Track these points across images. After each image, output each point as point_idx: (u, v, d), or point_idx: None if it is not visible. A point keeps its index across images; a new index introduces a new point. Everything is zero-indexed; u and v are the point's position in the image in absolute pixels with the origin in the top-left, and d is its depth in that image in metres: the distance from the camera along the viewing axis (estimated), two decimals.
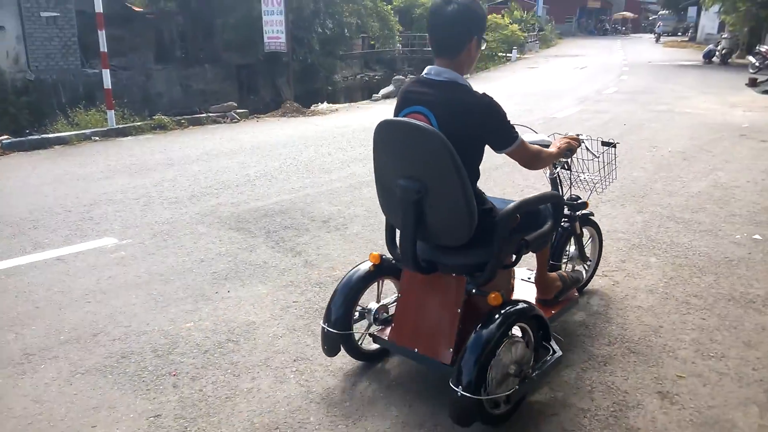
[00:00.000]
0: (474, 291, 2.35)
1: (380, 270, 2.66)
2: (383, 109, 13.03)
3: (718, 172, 6.39)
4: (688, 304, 3.36)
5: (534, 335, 2.39)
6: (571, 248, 3.32)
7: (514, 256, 2.39)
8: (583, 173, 3.14)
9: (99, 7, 9.70)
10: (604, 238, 3.62)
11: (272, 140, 8.96)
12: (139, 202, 5.56)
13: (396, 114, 2.32)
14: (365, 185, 6.05)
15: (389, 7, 36.10)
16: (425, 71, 2.34)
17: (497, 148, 2.27)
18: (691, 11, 41.67)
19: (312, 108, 13.59)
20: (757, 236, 4.41)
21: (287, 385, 2.63)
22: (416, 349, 2.45)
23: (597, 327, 3.11)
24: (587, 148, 3.02)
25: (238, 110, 12.24)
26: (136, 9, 26.04)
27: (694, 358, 2.81)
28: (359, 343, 2.73)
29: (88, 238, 4.60)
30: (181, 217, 5.10)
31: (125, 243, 4.47)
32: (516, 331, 2.30)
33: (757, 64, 18.26)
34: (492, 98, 2.23)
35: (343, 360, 2.79)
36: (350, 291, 2.60)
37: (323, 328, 2.59)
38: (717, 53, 23.81)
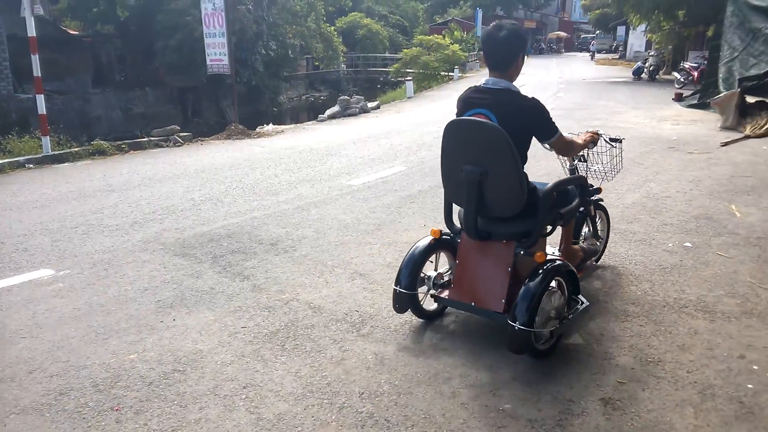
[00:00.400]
0: (522, 253, 3.02)
1: (438, 244, 3.29)
2: (329, 130, 13.07)
3: (650, 183, 6.71)
4: (626, 312, 3.51)
5: (567, 287, 3.07)
6: (585, 229, 3.91)
7: (549, 227, 3.11)
8: (595, 165, 3.86)
9: (32, 31, 9.37)
10: None
11: (217, 163, 8.84)
12: (78, 231, 5.36)
13: (460, 115, 3.02)
14: (313, 206, 6.05)
15: (332, 28, 36.44)
16: (483, 82, 3.00)
17: (542, 139, 3.03)
18: (620, 30, 43.82)
19: (258, 130, 13.49)
20: (687, 244, 4.65)
21: (237, 413, 2.58)
22: (473, 303, 3.08)
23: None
24: (606, 141, 3.80)
25: (182, 133, 12.02)
26: (72, 32, 25.33)
27: (633, 363, 2.93)
28: (421, 304, 3.30)
29: (22, 270, 4.40)
30: (122, 245, 4.95)
31: (63, 274, 4.30)
32: (553, 283, 2.90)
33: (681, 79, 19.36)
34: (538, 100, 2.89)
35: (294, 384, 2.77)
36: (416, 259, 3.20)
37: (395, 290, 3.19)
38: (645, 70, 25.12)
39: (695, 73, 18.57)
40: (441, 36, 32.63)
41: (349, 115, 16.08)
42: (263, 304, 3.71)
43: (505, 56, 2.91)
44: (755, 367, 2.87)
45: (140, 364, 3.00)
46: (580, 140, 3.42)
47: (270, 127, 14.15)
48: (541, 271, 2.84)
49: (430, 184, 6.90)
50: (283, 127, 14.73)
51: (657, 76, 24.46)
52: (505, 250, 3.03)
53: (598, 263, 4.13)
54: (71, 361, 3.05)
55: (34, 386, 2.82)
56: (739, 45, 12.23)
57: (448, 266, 3.42)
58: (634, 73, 25.12)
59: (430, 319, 3.39)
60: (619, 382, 2.76)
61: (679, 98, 15.84)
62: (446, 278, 3.33)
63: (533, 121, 2.90)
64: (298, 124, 16.09)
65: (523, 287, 2.81)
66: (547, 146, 3.11)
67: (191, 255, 4.65)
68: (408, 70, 27.49)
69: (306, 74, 37.89)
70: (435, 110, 16.15)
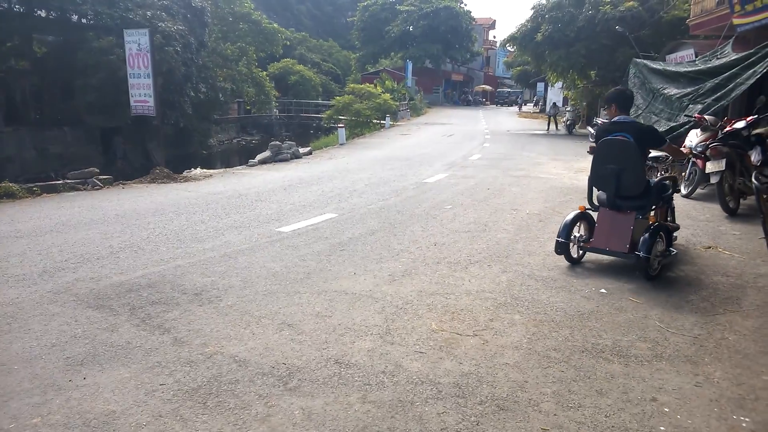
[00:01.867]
0: (640, 217, 5.23)
1: (582, 215, 5.53)
2: (260, 175, 12.95)
3: None
4: (549, 358, 3.60)
5: (666, 240, 5.18)
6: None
7: (654, 205, 5.43)
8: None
9: None
10: (473, 299, 3.80)
11: (140, 208, 8.52)
12: None
13: (599, 138, 5.45)
14: (241, 254, 5.91)
15: (264, 73, 36.61)
16: (616, 118, 5.31)
17: (656, 147, 5.57)
18: (540, 86, 46.63)
19: (184, 173, 13.18)
20: (603, 290, 4.87)
21: None
22: (607, 248, 5.29)
23: (469, 387, 3.22)
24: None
25: (101, 176, 11.56)
26: None
27: (555, 410, 3.00)
28: (570, 253, 5.50)
29: None
30: (29, 296, 4.62)
31: None
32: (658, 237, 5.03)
33: (594, 133, 20.67)
34: (652, 126, 6.32)
35: None
36: (568, 223, 5.43)
37: (557, 240, 5.41)
38: (563, 124, 26.74)
39: None
40: (372, 85, 33.47)
41: (281, 161, 16.03)
42: (184, 358, 3.55)
43: (628, 104, 5.36)
44: (666, 410, 3.01)
45: (45, 429, 2.76)
46: (684, 150, 6.57)
47: (198, 171, 13.86)
48: (652, 227, 5.00)
49: (361, 231, 6.93)
50: (212, 171, 14.46)
51: (573, 130, 26.04)
52: (630, 217, 5.22)
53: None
54: None
55: None
56: (642, 104, 13.28)
57: (583, 231, 5.58)
58: (546, 113, 27.86)
59: (576, 263, 5.57)
60: (543, 429, 2.81)
61: (593, 151, 16.83)
62: (585, 237, 5.53)
63: (649, 137, 5.21)
64: (228, 169, 15.85)
65: (644, 234, 4.95)
66: (660, 152, 6.43)
67: (107, 307, 4.40)
68: (340, 117, 27.91)
69: (237, 118, 37.68)
70: (366, 157, 16.39)
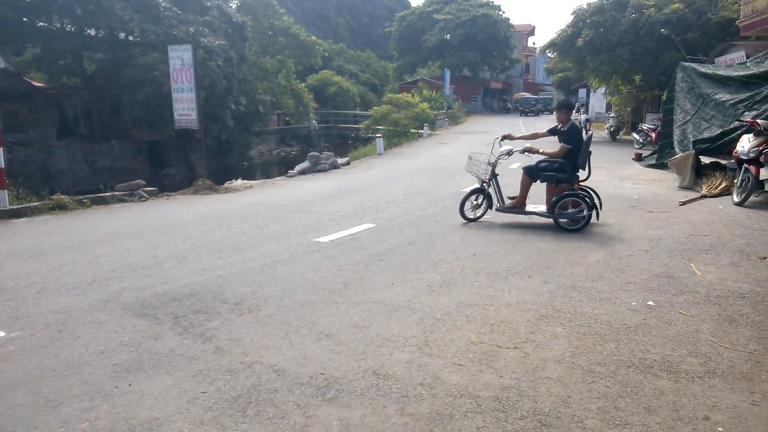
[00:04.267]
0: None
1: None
2: (299, 185, 13.11)
3: (613, 241, 6.85)
4: (593, 373, 3.50)
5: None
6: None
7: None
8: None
9: None
10: (513, 310, 3.71)
11: (183, 219, 8.72)
12: (32, 290, 5.16)
13: (582, 137, 7.80)
14: (280, 264, 5.97)
15: (303, 85, 37.17)
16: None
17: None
18: (582, 92, 45.86)
19: (226, 185, 13.45)
20: (650, 302, 4.72)
21: None
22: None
23: (510, 401, 3.15)
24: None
25: (147, 188, 11.90)
26: (37, 84, 25.21)
27: (601, 427, 2.90)
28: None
29: None
30: (79, 304, 4.78)
31: (14, 336, 4.11)
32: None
33: (640, 140, 20.18)
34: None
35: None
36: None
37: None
38: (606, 130, 26.19)
39: (653, 135, 19.39)
40: (410, 94, 33.54)
41: (319, 171, 16.20)
42: (225, 367, 3.59)
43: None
44: (720, 429, 2.87)
45: None
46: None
47: (239, 182, 14.12)
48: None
49: (399, 241, 6.92)
50: (252, 182, 14.72)
51: (617, 137, 25.47)
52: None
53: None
54: (18, 430, 2.87)
55: None
56: (691, 109, 12.87)
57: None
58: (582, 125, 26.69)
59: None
60: None
61: (638, 158, 16.44)
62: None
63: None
64: (268, 180, 16.11)
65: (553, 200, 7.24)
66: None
67: (151, 315, 4.51)
68: (378, 127, 28.05)
69: (277, 129, 38.30)
70: (404, 167, 16.40)
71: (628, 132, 26.57)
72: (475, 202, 7.94)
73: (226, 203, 10.42)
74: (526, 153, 7.91)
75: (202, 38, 22.66)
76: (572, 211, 7.28)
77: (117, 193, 11.43)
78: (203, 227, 8.00)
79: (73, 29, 22.50)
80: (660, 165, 14.24)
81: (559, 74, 46.29)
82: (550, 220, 7.56)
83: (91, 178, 20.73)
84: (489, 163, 7.76)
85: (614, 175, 13.29)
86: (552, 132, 7.87)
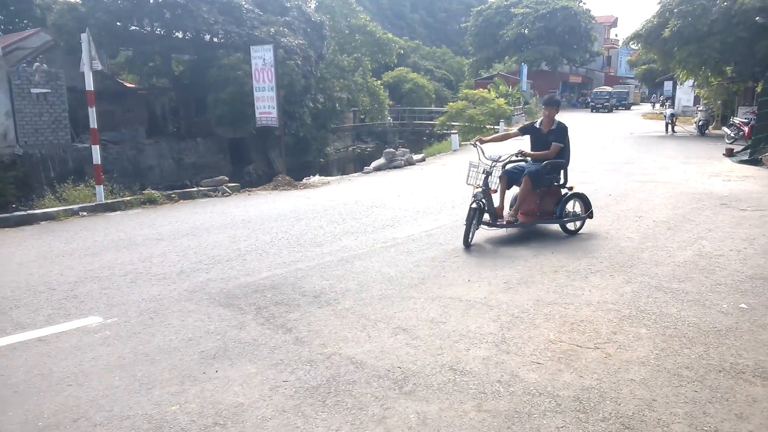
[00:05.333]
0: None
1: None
2: (375, 182, 13.25)
3: (702, 241, 6.48)
4: (680, 376, 3.34)
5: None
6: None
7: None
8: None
9: (90, 86, 9.97)
10: (594, 310, 3.61)
11: (263, 214, 9.04)
12: (126, 279, 5.52)
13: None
14: (357, 258, 6.07)
15: (379, 82, 37.46)
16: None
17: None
18: (667, 85, 43.47)
19: (304, 181, 13.79)
20: (743, 305, 4.43)
21: None
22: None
23: (590, 402, 3.06)
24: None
25: (230, 183, 12.40)
26: (129, 85, 26.84)
27: None
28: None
29: (71, 317, 4.53)
30: (169, 293, 5.06)
31: (110, 322, 4.41)
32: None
33: (732, 135, 18.92)
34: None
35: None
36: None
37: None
38: (694, 124, 24.73)
39: (746, 129, 18.12)
40: (486, 90, 33.04)
41: (395, 167, 16.28)
42: (305, 357, 3.70)
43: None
44: None
45: (182, 416, 3.01)
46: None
47: (316, 178, 14.44)
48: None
49: (476, 238, 6.85)
50: (329, 178, 15.01)
51: (706, 131, 24.00)
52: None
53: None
54: (115, 410, 3.09)
55: None
56: None
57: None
58: (666, 121, 25.07)
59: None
60: None
61: (730, 154, 15.44)
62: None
63: None
64: (344, 176, 16.38)
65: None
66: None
67: (235, 306, 4.71)
68: (453, 123, 27.82)
69: (353, 126, 38.81)
70: None
71: (718, 126, 24.96)
72: (474, 223, 6.49)
73: (304, 199, 10.70)
74: (520, 157, 6.87)
75: (283, 38, 23.30)
76: (573, 212, 6.91)
77: (202, 188, 11.99)
78: (283, 222, 8.25)
79: (162, 32, 23.74)
80: (753, 161, 13.34)
81: (643, 66, 44.07)
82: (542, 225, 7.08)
83: (177, 174, 21.83)
84: (485, 172, 6.55)
85: (703, 171, 12.55)
86: (525, 131, 7.11)
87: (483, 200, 6.36)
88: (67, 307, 4.75)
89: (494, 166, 6.56)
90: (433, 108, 43.71)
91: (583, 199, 6.97)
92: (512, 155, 6.75)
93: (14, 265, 6.19)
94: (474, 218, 6.33)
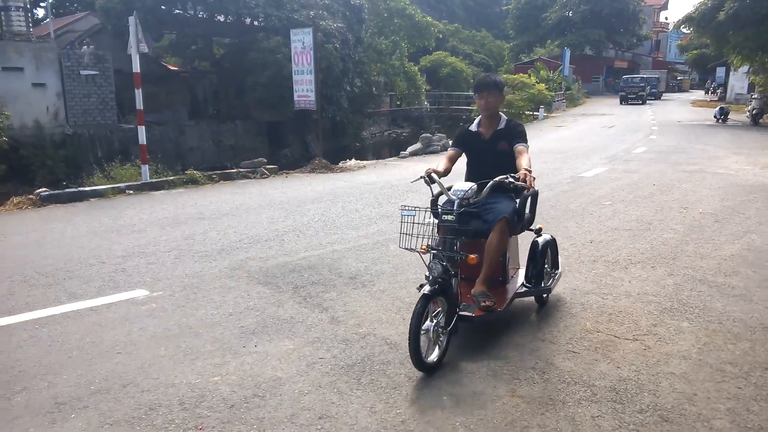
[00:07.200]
0: None
1: None
2: (410, 166, 13.23)
3: (751, 234, 6.28)
4: (723, 372, 3.27)
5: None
6: None
7: None
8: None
9: (136, 68, 10.20)
10: (633, 301, 3.56)
11: (301, 196, 9.15)
12: (171, 255, 5.69)
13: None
14: (392, 242, 6.10)
15: (416, 67, 37.15)
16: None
17: None
18: (720, 71, 41.85)
19: (340, 164, 13.87)
20: None
21: None
22: None
23: (628, 393, 3.04)
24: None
25: (268, 166, 12.58)
26: (172, 68, 27.33)
27: (730, 429, 2.72)
28: None
29: (120, 289, 4.71)
30: (210, 270, 5.20)
31: (156, 295, 4.57)
32: None
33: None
34: None
35: (368, 419, 2.77)
36: None
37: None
38: (747, 113, 23.79)
39: None
40: (526, 75, 32.45)
41: (431, 152, 16.22)
42: (341, 336, 3.76)
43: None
44: None
45: (223, 387, 3.11)
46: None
47: (352, 162, 14.51)
48: None
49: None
50: (365, 162, 15.06)
51: (760, 121, 23.07)
52: None
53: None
54: (161, 378, 3.22)
55: (127, 400, 2.99)
56: None
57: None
58: (715, 116, 23.93)
59: None
60: None
61: None
62: None
63: None
64: (380, 160, 16.40)
65: None
66: None
67: (273, 284, 4.81)
68: None
69: (389, 111, 38.67)
70: None
71: None
72: (431, 326, 3.27)
73: (340, 182, 10.78)
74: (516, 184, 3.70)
75: (322, 21, 23.30)
76: (547, 269, 4.21)
77: (241, 170, 12.20)
78: (320, 204, 8.34)
79: (204, 16, 24.03)
80: None
81: (694, 51, 42.54)
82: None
83: (216, 155, 22.17)
84: (443, 222, 3.56)
85: (755, 162, 12.11)
86: (461, 142, 4.19)
87: (444, 276, 3.30)
88: (116, 280, 4.93)
89: (455, 213, 3.48)
90: (470, 93, 43.11)
91: (552, 246, 4.31)
92: (502, 179, 3.63)
93: (67, 239, 6.45)
94: (428, 316, 3.24)
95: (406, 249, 3.41)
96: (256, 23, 24.36)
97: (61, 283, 4.88)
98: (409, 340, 3.08)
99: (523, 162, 3.76)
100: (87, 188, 9.55)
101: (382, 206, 8.10)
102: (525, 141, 3.97)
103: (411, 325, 3.09)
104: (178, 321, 4.03)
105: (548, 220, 7.00)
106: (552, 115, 29.89)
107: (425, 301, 3.17)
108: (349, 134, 27.66)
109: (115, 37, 20.75)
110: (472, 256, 3.40)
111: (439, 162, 4.08)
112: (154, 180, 10.30)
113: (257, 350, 3.57)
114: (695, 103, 37.53)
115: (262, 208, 8.14)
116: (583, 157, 13.54)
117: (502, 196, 3.87)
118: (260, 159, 13.22)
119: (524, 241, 4.30)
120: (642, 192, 8.86)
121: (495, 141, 4.00)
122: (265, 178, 11.76)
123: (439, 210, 3.66)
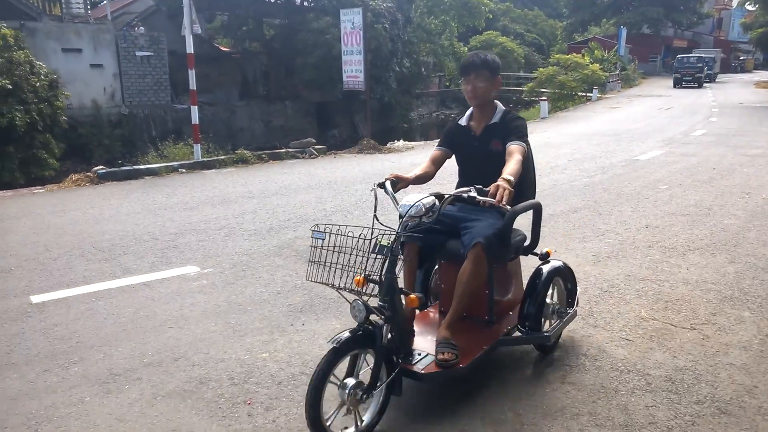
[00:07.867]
0: None
1: None
2: None
3: None
4: None
5: None
6: None
7: None
8: None
9: (190, 48, 10.39)
10: (691, 288, 3.41)
11: (349, 176, 9.17)
12: (221, 233, 5.81)
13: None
14: None
15: (466, 48, 36.51)
16: None
17: None
18: None
19: (388, 145, 13.83)
20: None
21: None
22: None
23: (684, 383, 2.92)
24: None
25: (317, 146, 12.65)
26: (223, 49, 27.74)
27: None
28: None
29: (172, 265, 4.85)
30: (259, 248, 5.28)
31: (207, 272, 4.67)
32: None
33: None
34: None
35: (415, 399, 2.76)
36: None
37: None
38: None
39: None
40: (580, 55, 31.45)
41: None
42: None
43: None
44: None
45: (271, 363, 3.16)
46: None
47: (400, 142, 14.44)
48: None
49: (562, 208, 6.63)
50: (413, 143, 14.97)
51: None
52: None
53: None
54: (211, 353, 3.29)
55: (179, 373, 3.08)
56: None
57: None
58: None
59: None
60: None
61: None
62: None
63: None
64: (428, 141, 16.27)
65: None
66: None
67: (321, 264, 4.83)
68: (543, 90, 26.79)
69: (437, 92, 38.27)
70: (569, 132, 15.55)
71: None
72: (350, 385, 2.40)
73: (388, 163, 10.74)
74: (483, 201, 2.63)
75: (371, 1, 23.14)
76: (554, 307, 3.19)
77: (290, 150, 12.32)
78: (367, 185, 8.34)
79: None
80: None
81: (759, 30, 40.13)
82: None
83: (266, 136, 22.48)
84: (384, 246, 2.56)
85: None
86: (449, 141, 3.39)
87: (381, 322, 2.52)
88: (169, 256, 5.08)
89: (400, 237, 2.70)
90: (521, 74, 42.17)
91: (565, 275, 3.35)
92: (460, 193, 2.78)
93: (122, 215, 6.68)
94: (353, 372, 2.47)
95: (321, 283, 2.55)
96: (306, 4, 24.42)
97: (116, 258, 5.06)
98: (306, 406, 2.27)
99: (507, 168, 2.72)
100: (142, 166, 9.86)
101: (429, 188, 8.01)
102: (522, 138, 2.97)
103: (309, 389, 2.26)
104: (228, 298, 4.12)
105: (601, 204, 6.79)
106: (606, 96, 28.89)
107: (333, 357, 2.32)
108: (397, 115, 27.53)
109: (169, 18, 21.20)
110: (413, 296, 2.56)
111: (420, 164, 3.27)
112: (205, 159, 10.53)
113: (304, 328, 3.60)
114: (759, 84, 35.57)
115: (311, 187, 8.20)
116: (638, 139, 13.05)
117: (489, 210, 2.88)
118: (309, 139, 13.32)
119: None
120: (701, 176, 8.47)
121: (486, 138, 3.09)
122: (314, 158, 11.85)
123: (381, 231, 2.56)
